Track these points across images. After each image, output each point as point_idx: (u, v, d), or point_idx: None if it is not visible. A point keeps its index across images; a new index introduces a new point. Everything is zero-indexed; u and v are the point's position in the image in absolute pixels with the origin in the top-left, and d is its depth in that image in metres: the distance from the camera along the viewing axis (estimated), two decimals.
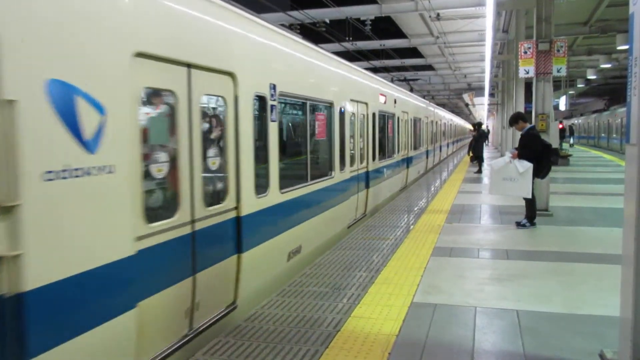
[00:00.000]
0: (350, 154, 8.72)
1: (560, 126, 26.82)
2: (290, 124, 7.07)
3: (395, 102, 12.90)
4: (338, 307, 4.57)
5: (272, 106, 5.34)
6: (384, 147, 11.80)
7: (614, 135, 31.94)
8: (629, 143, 3.16)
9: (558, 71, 9.32)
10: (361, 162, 9.50)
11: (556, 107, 35.63)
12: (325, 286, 5.17)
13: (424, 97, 26.76)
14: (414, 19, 19.08)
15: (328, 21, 16.85)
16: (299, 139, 7.07)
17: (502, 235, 7.66)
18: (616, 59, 25.24)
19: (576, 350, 3.68)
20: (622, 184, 3.38)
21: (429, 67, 31.29)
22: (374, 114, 10.46)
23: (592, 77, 30.92)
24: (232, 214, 4.61)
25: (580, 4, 16.30)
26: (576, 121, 49.97)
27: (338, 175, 7.85)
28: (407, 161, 14.88)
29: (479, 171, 17.32)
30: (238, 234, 4.69)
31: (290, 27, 15.52)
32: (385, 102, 11.63)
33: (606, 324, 4.08)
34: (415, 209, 10.07)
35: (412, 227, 8.20)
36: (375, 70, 23.19)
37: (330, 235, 7.56)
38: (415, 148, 16.42)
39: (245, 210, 4.76)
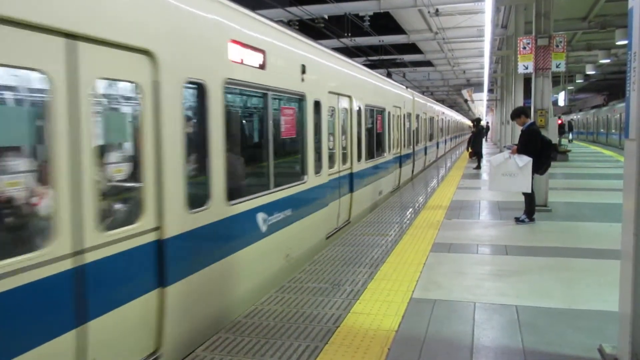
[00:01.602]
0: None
1: (559, 122, 26.80)
2: None
3: (303, 70, 6.55)
4: (337, 303, 4.58)
5: None
6: (279, 169, 5.91)
7: (613, 131, 31.98)
8: (628, 138, 3.16)
9: (557, 67, 9.32)
10: (131, 222, 3.41)
11: (555, 103, 35.65)
12: (324, 282, 5.18)
13: (422, 93, 26.59)
14: (412, 14, 19.07)
15: (327, 17, 16.83)
16: None
17: (501, 231, 7.67)
18: (615, 54, 25.20)
19: (575, 345, 3.69)
20: (621, 179, 3.39)
21: (428, 63, 31.27)
22: (204, 90, 4.21)
23: (591, 72, 30.89)
24: None
25: None
26: (575, 117, 49.99)
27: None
28: (350, 181, 8.85)
29: (478, 167, 17.37)
30: None
31: (289, 24, 15.51)
32: (262, 66, 5.29)
33: (605, 319, 4.09)
34: (415, 205, 10.08)
35: (411, 223, 8.20)
36: (373, 66, 23.13)
37: None
38: (372, 156, 10.63)
39: None
